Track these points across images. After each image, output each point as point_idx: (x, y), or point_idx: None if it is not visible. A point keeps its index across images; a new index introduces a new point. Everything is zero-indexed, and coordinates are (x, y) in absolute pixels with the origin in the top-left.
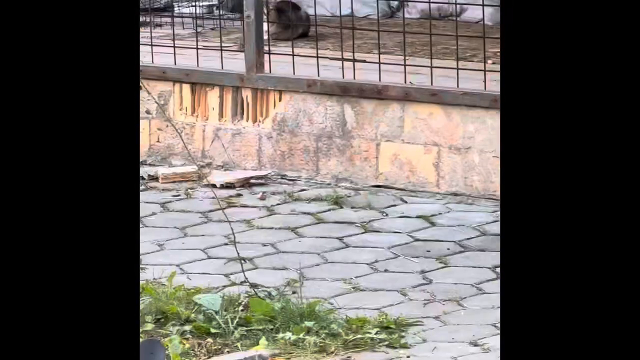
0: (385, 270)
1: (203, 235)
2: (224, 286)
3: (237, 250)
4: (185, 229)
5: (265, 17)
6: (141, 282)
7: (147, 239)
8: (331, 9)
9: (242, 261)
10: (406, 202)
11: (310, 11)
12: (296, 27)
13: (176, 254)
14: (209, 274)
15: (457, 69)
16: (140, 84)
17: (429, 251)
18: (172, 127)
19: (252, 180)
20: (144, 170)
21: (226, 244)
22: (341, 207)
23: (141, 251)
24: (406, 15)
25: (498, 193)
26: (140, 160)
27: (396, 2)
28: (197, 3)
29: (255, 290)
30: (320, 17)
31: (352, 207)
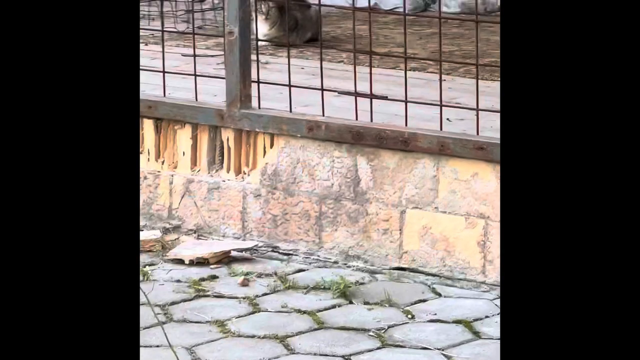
0: None
1: (156, 347)
2: None
3: None
4: None
5: (262, 16)
6: None
7: None
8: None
9: None
10: (440, 294)
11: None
12: (303, 30)
13: None
14: None
15: None
16: None
17: None
18: None
19: (234, 253)
20: None
21: None
22: (350, 302)
23: None
24: (443, 9)
25: None
26: None
27: None
28: None
29: None
30: (334, 8)
31: (365, 301)
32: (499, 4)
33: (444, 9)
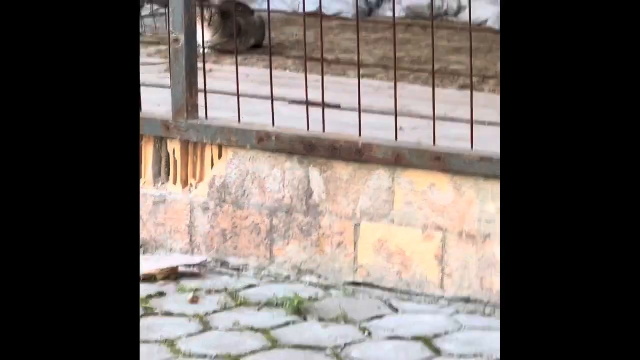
0: None
1: None
2: None
3: None
4: None
5: (205, 23)
6: None
7: None
8: (292, 4)
9: None
10: (397, 310)
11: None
12: (247, 37)
13: None
14: None
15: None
16: None
17: None
18: None
19: (181, 269)
20: None
21: None
22: (305, 319)
23: None
24: (387, 14)
25: None
26: None
27: None
28: None
29: None
30: (277, 14)
31: (319, 318)
32: (445, 7)
33: (388, 13)
